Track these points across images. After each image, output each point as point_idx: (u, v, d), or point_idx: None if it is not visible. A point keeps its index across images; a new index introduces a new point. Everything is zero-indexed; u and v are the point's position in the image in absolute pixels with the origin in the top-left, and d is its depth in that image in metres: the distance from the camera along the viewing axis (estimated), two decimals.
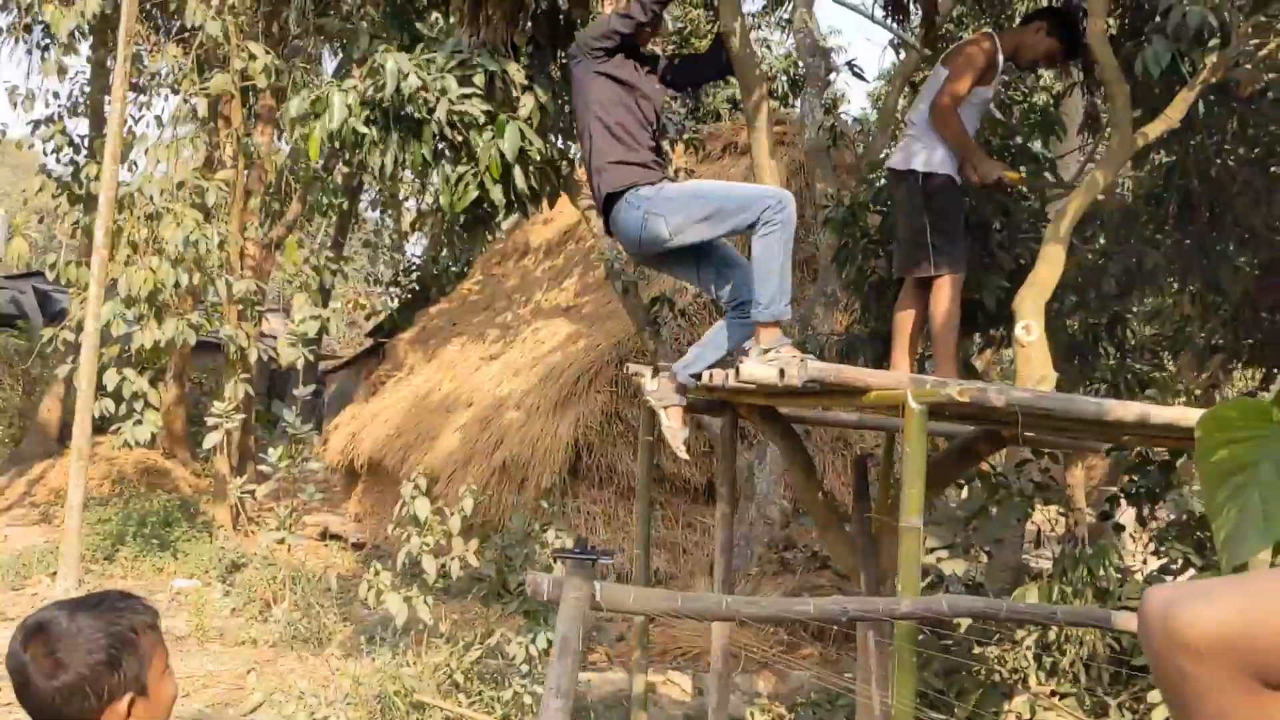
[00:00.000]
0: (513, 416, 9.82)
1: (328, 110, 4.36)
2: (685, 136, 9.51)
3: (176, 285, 9.38)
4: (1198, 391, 6.54)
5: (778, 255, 4.20)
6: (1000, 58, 5.14)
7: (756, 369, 3.63)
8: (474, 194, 4.63)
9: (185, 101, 10.82)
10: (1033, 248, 6.51)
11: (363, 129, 4.40)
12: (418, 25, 4.65)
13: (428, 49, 4.54)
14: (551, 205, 5.01)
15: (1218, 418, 1.09)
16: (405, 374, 12.90)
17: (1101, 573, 6.01)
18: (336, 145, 4.42)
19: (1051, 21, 5.21)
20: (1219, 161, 5.80)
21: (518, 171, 4.66)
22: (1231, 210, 5.92)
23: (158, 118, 12.91)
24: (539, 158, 4.80)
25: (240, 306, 11.05)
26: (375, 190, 16.00)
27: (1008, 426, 4.24)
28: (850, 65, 9.37)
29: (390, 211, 18.47)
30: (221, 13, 10.43)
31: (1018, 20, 7.08)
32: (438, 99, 4.37)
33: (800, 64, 9.70)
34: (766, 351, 3.96)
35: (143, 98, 12.87)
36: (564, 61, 4.96)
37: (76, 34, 10.53)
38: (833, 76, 10.43)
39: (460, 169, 4.58)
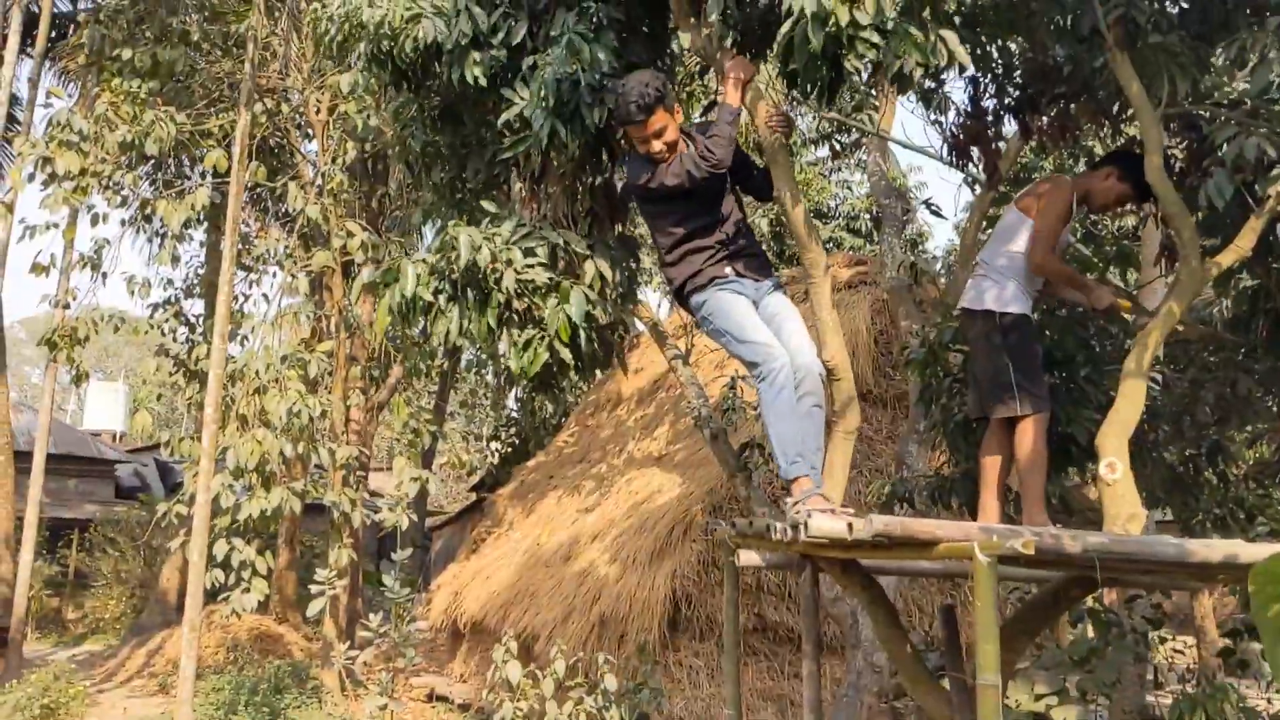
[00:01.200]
0: (609, 570, 9.80)
1: (400, 279, 4.57)
2: None
3: (282, 455, 9.70)
4: None
5: (773, 415, 4.39)
6: (1074, 201, 5.19)
7: (824, 523, 3.62)
8: (544, 357, 4.76)
9: (292, 278, 11.40)
10: (1118, 378, 6.43)
11: (429, 298, 4.59)
12: (485, 204, 4.87)
13: (492, 224, 4.75)
14: (604, 369, 5.14)
15: (1269, 571, 1.07)
16: (505, 530, 13.00)
17: (1223, 716, 5.69)
18: (405, 313, 4.62)
19: (1122, 167, 5.25)
20: None
21: (584, 335, 4.79)
22: None
23: (264, 295, 13.60)
24: (603, 322, 4.94)
25: (344, 472, 11.36)
26: (474, 350, 16.42)
27: (1094, 570, 4.13)
28: (927, 204, 9.43)
29: (485, 371, 18.93)
30: (322, 195, 11.05)
31: (1083, 163, 7.14)
32: (504, 269, 4.56)
33: (876, 207, 9.81)
34: (795, 504, 4.07)
35: (251, 276, 13.58)
36: (622, 230, 5.15)
37: (191, 222, 11.20)
38: (911, 215, 10.51)
39: (528, 333, 4.72)
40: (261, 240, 11.12)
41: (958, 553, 3.39)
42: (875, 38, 3.67)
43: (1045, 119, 6.30)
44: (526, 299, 4.73)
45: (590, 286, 4.76)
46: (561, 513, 11.96)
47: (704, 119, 5.10)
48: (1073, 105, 6.11)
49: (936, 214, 9.57)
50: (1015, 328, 5.18)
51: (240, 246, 10.84)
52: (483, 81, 4.63)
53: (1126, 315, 5.92)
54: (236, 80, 11.61)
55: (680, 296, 4.72)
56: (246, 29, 10.45)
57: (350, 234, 10.51)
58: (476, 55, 4.64)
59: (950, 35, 3.75)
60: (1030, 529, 4.03)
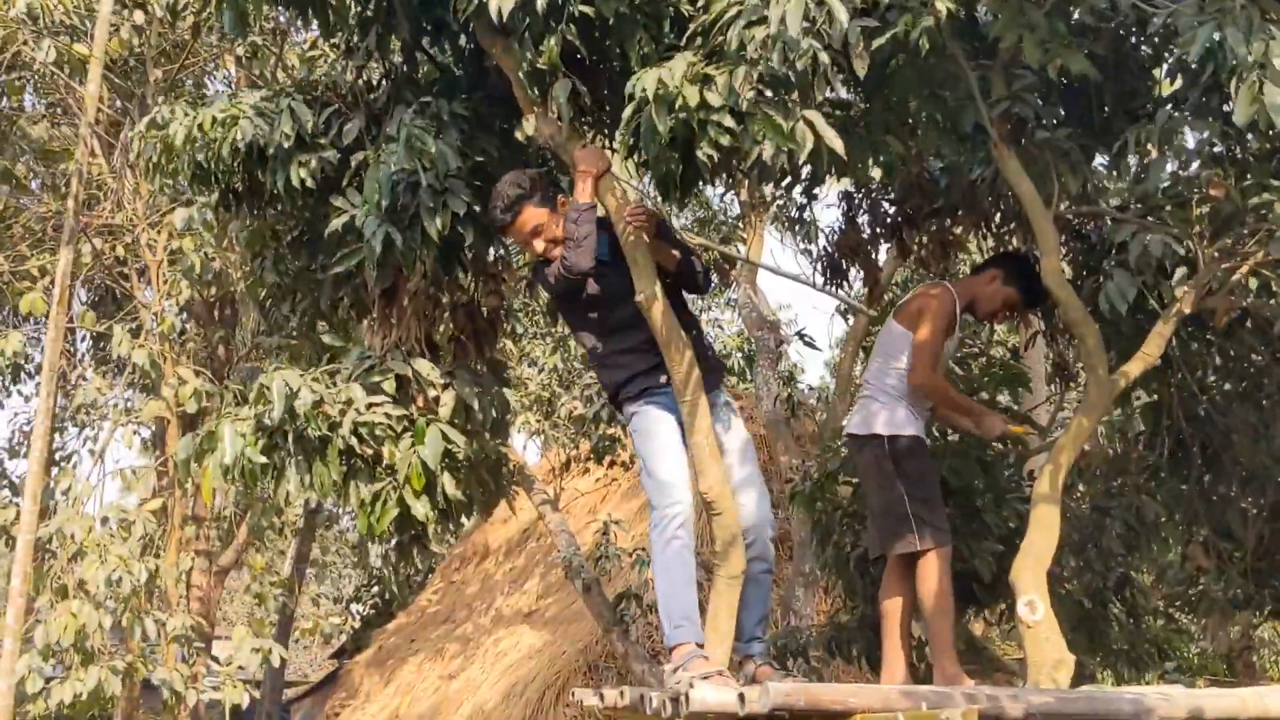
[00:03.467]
0: None
1: (219, 445, 3.89)
2: None
3: (102, 629, 8.63)
4: (1228, 654, 5.88)
5: (658, 568, 3.93)
6: (958, 309, 4.81)
7: (710, 694, 3.02)
8: (394, 511, 4.09)
9: (121, 430, 10.47)
10: (1020, 509, 6.00)
11: (260, 458, 3.91)
12: (324, 337, 4.24)
13: (334, 359, 4.12)
14: (487, 513, 4.52)
15: None
16: (361, 702, 11.91)
17: None
18: (234, 481, 3.93)
19: (1008, 270, 4.90)
20: (1205, 398, 5.39)
21: (445, 478, 4.15)
22: (1229, 449, 5.46)
23: (91, 450, 12.42)
24: (469, 460, 4.30)
25: (177, 645, 10.21)
26: (333, 504, 15.42)
27: None
28: (800, 335, 9.10)
29: (344, 526, 17.87)
30: (156, 341, 10.21)
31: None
32: (342, 412, 3.91)
33: (752, 339, 9.48)
34: (675, 670, 3.54)
35: (88, 431, 12.48)
36: (489, 354, 4.56)
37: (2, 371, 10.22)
38: (784, 348, 10.20)
39: (376, 485, 4.05)
40: (83, 390, 10.15)
41: None
42: (729, 121, 3.23)
43: (924, 236, 6.02)
44: (371, 444, 4.07)
45: (451, 421, 4.14)
46: (423, 680, 10.99)
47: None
48: (949, 220, 5.85)
49: (810, 345, 9.24)
50: (909, 453, 4.70)
51: (57, 399, 9.88)
52: (310, 184, 4.05)
53: (1023, 438, 5.53)
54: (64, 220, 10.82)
55: (615, 404, 4.27)
56: (73, 164, 9.72)
57: (183, 381, 9.64)
58: (303, 157, 4.07)
59: (817, 117, 3.32)
60: (957, 688, 3.48)
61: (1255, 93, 3.36)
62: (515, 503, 6.33)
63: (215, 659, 11.95)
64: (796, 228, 8.92)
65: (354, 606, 16.91)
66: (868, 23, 3.25)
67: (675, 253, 4.07)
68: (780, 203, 9.99)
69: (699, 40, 3.37)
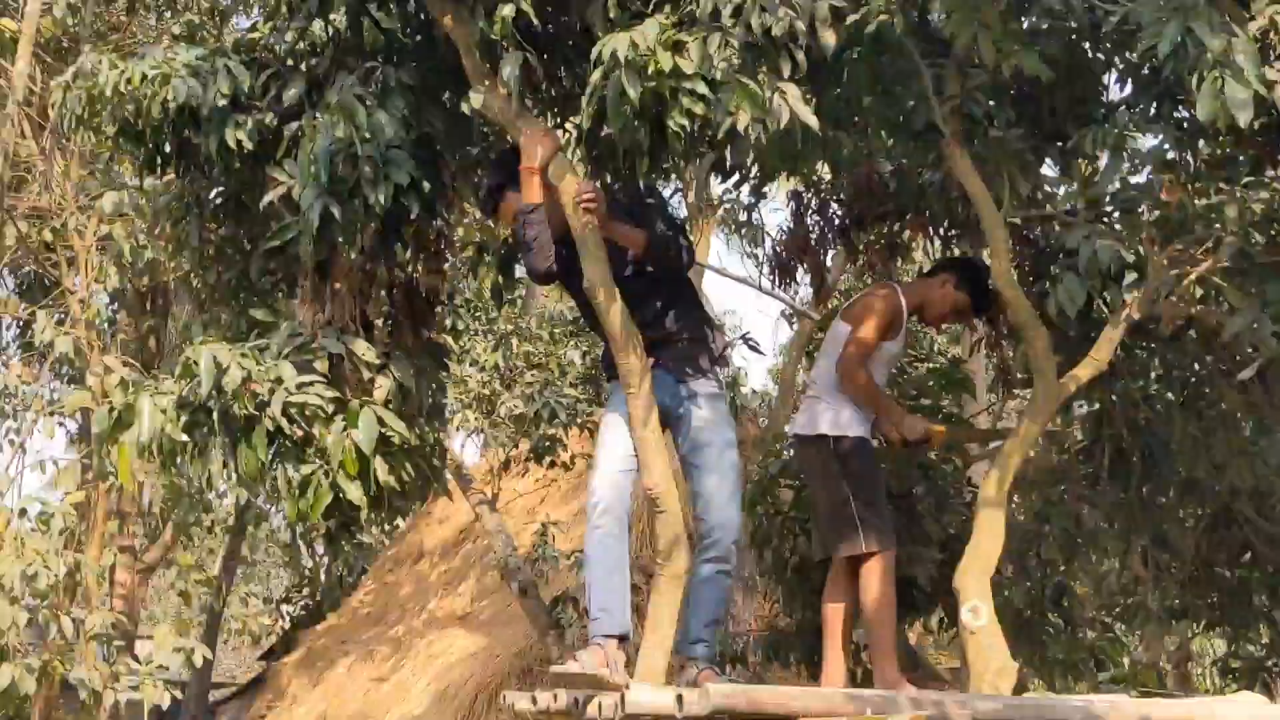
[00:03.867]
0: None
1: (137, 420, 3.70)
2: (580, 422, 9.00)
3: (15, 626, 8.31)
4: (1167, 666, 5.88)
5: (585, 556, 3.94)
6: (905, 311, 4.75)
7: (646, 697, 2.91)
8: (328, 496, 3.93)
9: (57, 422, 10.13)
10: (962, 513, 5.96)
11: (181, 436, 3.73)
12: (252, 311, 4.07)
13: (263, 334, 3.95)
14: (424, 500, 4.39)
15: None
16: (288, 704, 11.62)
17: None
18: (153, 459, 3.75)
19: (960, 275, 4.86)
20: (1146, 408, 5.38)
21: (379, 463, 4.00)
22: (1169, 459, 5.46)
23: (11, 441, 12.00)
24: (404, 446, 4.16)
25: (97, 643, 9.88)
26: (265, 501, 15.06)
27: None
28: (745, 339, 9.02)
29: (275, 523, 17.51)
30: (82, 327, 9.91)
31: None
32: (271, 391, 3.74)
33: None
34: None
35: (9, 421, 12.08)
36: (427, 336, 4.42)
37: None
38: (729, 352, 10.11)
39: (306, 469, 3.89)
40: (1, 377, 9.80)
41: None
42: (702, 88, 3.13)
43: (871, 238, 5.98)
44: (301, 425, 3.91)
45: (387, 404, 3.99)
46: (353, 682, 10.74)
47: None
48: (897, 223, 5.81)
49: (755, 349, 9.16)
50: (855, 453, 4.64)
51: None
52: (248, 146, 3.88)
53: (954, 441, 5.49)
54: None
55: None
56: None
57: (108, 370, 9.33)
58: (239, 119, 3.90)
59: (791, 89, 3.24)
60: (902, 693, 3.40)
61: (1218, 89, 3.34)
62: (451, 492, 6.18)
63: (136, 658, 11.62)
64: (743, 230, 8.89)
65: (284, 607, 16.52)
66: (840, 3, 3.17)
67: (637, 233, 3.94)
68: (727, 205, 9.96)
69: (668, 6, 3.27)
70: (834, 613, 4.70)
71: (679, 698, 2.76)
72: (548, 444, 8.94)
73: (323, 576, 15.50)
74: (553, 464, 9.20)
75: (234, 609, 20.25)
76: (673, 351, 4.11)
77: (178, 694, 9.31)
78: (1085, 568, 6.35)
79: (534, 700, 3.64)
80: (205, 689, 16.54)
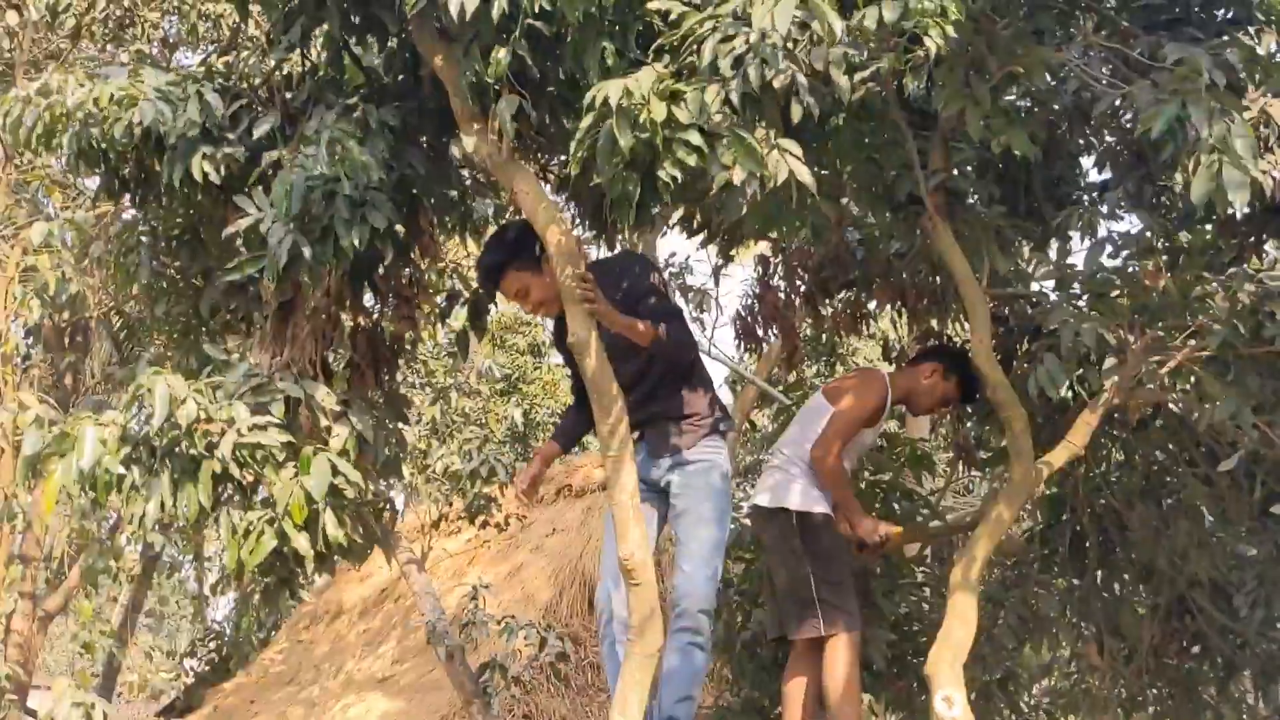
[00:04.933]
0: None
1: (76, 448, 3.43)
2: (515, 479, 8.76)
3: None
4: None
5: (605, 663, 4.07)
6: (889, 401, 4.67)
7: None
8: (271, 544, 3.67)
9: None
10: (914, 595, 5.87)
11: (120, 470, 3.47)
12: (206, 349, 3.82)
13: (216, 373, 3.71)
14: (361, 560, 4.14)
15: None
16: None
17: None
18: (87, 492, 3.47)
19: (948, 364, 4.78)
20: (1106, 493, 5.35)
21: (329, 515, 3.75)
22: (1127, 546, 5.42)
23: None
24: (356, 500, 3.93)
25: None
26: (176, 550, 14.48)
27: None
28: None
29: (184, 574, 16.85)
30: (4, 360, 9.44)
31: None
32: (222, 431, 3.50)
33: None
34: None
35: None
36: (389, 385, 4.21)
37: None
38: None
39: (251, 515, 3.64)
40: None
41: None
42: (697, 139, 3.01)
43: (838, 305, 5.92)
44: (252, 469, 3.66)
45: (343, 453, 3.76)
46: None
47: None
48: (864, 293, 5.75)
49: None
50: (821, 531, 4.50)
51: None
52: (215, 179, 3.66)
53: (901, 544, 5.39)
54: None
55: None
56: None
57: (24, 407, 8.89)
58: (208, 149, 3.68)
59: (792, 145, 3.13)
60: None
61: (1214, 173, 3.32)
62: (391, 556, 5.91)
63: (32, 712, 10.98)
64: (690, 294, 8.81)
65: (188, 662, 15.80)
66: (851, 50, 3.08)
67: (641, 329, 3.77)
68: (672, 268, 9.85)
69: (666, 57, 3.15)
70: (794, 691, 4.54)
71: None
72: (483, 503, 8.67)
73: (233, 632, 14.88)
74: (485, 524, 8.92)
75: (132, 661, 19.41)
76: (659, 429, 4.03)
77: None
78: (1036, 653, 6.27)
79: None
80: None
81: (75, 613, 11.32)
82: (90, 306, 10.70)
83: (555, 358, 20.31)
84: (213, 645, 15.29)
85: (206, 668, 15.05)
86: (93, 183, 11.62)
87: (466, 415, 9.57)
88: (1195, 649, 5.67)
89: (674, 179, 3.00)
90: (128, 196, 4.05)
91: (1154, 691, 5.75)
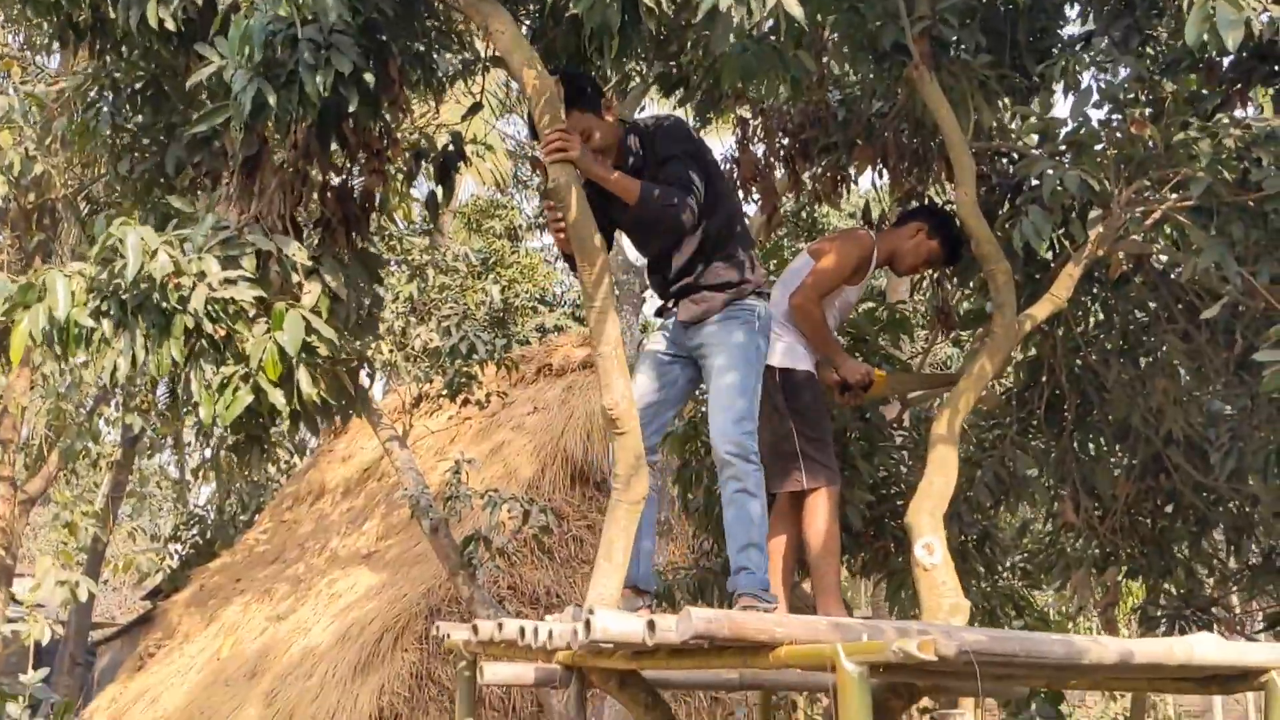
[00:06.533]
0: (305, 687, 8.37)
1: (47, 297, 3.34)
2: (497, 358, 8.73)
3: None
4: (1093, 613, 5.90)
5: None
6: (874, 260, 4.61)
7: (614, 623, 2.70)
8: (247, 399, 3.63)
9: None
10: (894, 456, 5.90)
11: (90, 322, 3.39)
12: (172, 200, 3.71)
13: (183, 225, 3.61)
14: (345, 420, 4.10)
15: None
16: (178, 643, 11.18)
17: None
18: (55, 344, 3.40)
19: (931, 223, 4.71)
20: (1084, 353, 5.35)
21: (303, 372, 3.70)
22: (1105, 406, 5.44)
23: None
24: (329, 355, 3.87)
25: None
26: (153, 431, 14.43)
27: (927, 675, 3.36)
28: None
29: (165, 457, 16.89)
30: None
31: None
32: (194, 285, 3.42)
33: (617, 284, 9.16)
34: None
35: None
36: (361, 244, 4.11)
37: None
38: (648, 293, 9.95)
39: (225, 370, 3.58)
40: None
41: (809, 659, 2.54)
42: None
43: (817, 169, 5.81)
44: (224, 324, 3.60)
45: (315, 310, 3.69)
46: (249, 621, 10.36)
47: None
48: (845, 155, 5.65)
49: None
50: (804, 388, 4.48)
51: None
52: (171, 26, 3.50)
53: (903, 391, 5.40)
54: None
55: None
56: None
57: None
58: None
59: None
60: (885, 622, 3.26)
61: (1207, 13, 3.22)
62: (364, 421, 5.86)
63: (14, 598, 11.07)
64: None
65: (172, 545, 15.95)
66: None
67: (628, 186, 3.69)
68: None
69: None
70: (776, 548, 4.55)
71: (650, 624, 2.56)
72: (464, 380, 8.64)
73: (215, 516, 14.99)
74: (466, 401, 8.91)
75: (117, 546, 19.55)
76: (692, 298, 3.96)
77: (60, 630, 8.85)
78: (1012, 514, 6.35)
79: (475, 630, 3.42)
80: (85, 627, 15.95)
81: (54, 499, 11.34)
82: (57, 187, 10.50)
83: (532, 241, 20.20)
84: (196, 529, 15.42)
85: (191, 551, 15.20)
86: (54, 64, 11.32)
87: (444, 293, 9.47)
88: (1169, 507, 5.76)
89: (657, 3, 2.87)
90: (84, 49, 3.87)
91: (1128, 551, 5.84)
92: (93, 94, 4.02)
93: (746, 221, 4.06)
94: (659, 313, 4.10)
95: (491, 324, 15.08)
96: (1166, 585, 6.08)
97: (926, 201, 5.48)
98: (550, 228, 3.69)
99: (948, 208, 5.06)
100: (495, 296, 9.28)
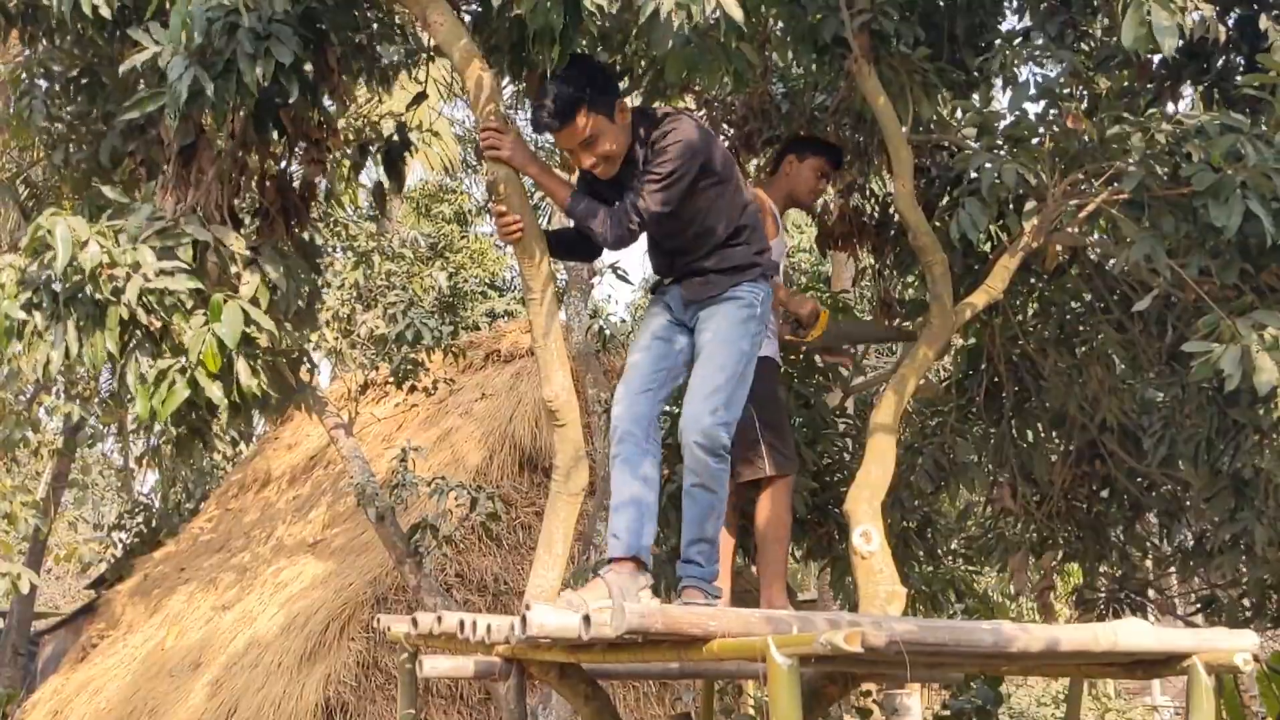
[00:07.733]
0: (249, 677, 8.32)
1: None
2: (444, 345, 8.70)
3: None
4: (1030, 598, 6.03)
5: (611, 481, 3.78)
6: (775, 210, 4.64)
7: (549, 618, 2.71)
8: (184, 394, 3.59)
9: None
10: (837, 444, 5.97)
11: (21, 314, 3.35)
12: (105, 190, 3.66)
13: (117, 215, 3.57)
14: (282, 411, 4.08)
15: None
16: (122, 633, 11.06)
17: None
18: None
19: (794, 150, 4.78)
20: (1022, 342, 5.45)
21: (242, 364, 3.67)
22: (1041, 394, 5.55)
23: None
24: (269, 347, 3.84)
25: None
26: (99, 422, 14.21)
27: (860, 664, 3.40)
28: (613, 268, 8.86)
29: (108, 445, 16.63)
30: None
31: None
32: (128, 276, 3.38)
33: (563, 269, 9.13)
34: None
35: None
36: (300, 234, 4.08)
37: None
38: (596, 280, 9.95)
39: (161, 363, 3.55)
40: None
41: (741, 652, 2.57)
42: None
43: (761, 161, 5.86)
44: (160, 315, 3.56)
45: (254, 302, 3.66)
46: (193, 611, 10.26)
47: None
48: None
49: (623, 279, 9.04)
50: (761, 376, 4.49)
51: None
52: (105, 13, 3.45)
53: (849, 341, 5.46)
54: None
55: None
56: None
57: None
58: None
59: None
60: (816, 613, 3.32)
61: (1143, 16, 3.29)
62: (309, 409, 5.83)
63: None
64: None
65: (116, 534, 15.72)
66: None
67: (558, 190, 3.55)
68: None
69: None
70: (724, 536, 4.60)
71: (585, 618, 2.58)
72: (410, 367, 8.61)
73: (159, 504, 14.80)
74: (413, 388, 8.87)
75: (60, 535, 19.25)
76: (695, 277, 3.74)
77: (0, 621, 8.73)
78: (952, 499, 6.44)
79: (415, 623, 3.42)
80: (28, 618, 15.71)
81: None
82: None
83: (482, 226, 20.08)
84: (140, 518, 15.22)
85: (135, 539, 15.00)
86: None
87: (390, 279, 9.40)
88: (1104, 492, 5.89)
89: (599, 8, 2.88)
90: (16, 34, 3.80)
91: (1065, 535, 5.97)
92: (26, 82, 3.94)
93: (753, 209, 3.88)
94: (654, 289, 3.92)
95: (440, 310, 15.02)
96: (1103, 568, 6.23)
97: (865, 190, 5.55)
98: (494, 220, 3.60)
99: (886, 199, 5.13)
100: (442, 283, 9.22)
